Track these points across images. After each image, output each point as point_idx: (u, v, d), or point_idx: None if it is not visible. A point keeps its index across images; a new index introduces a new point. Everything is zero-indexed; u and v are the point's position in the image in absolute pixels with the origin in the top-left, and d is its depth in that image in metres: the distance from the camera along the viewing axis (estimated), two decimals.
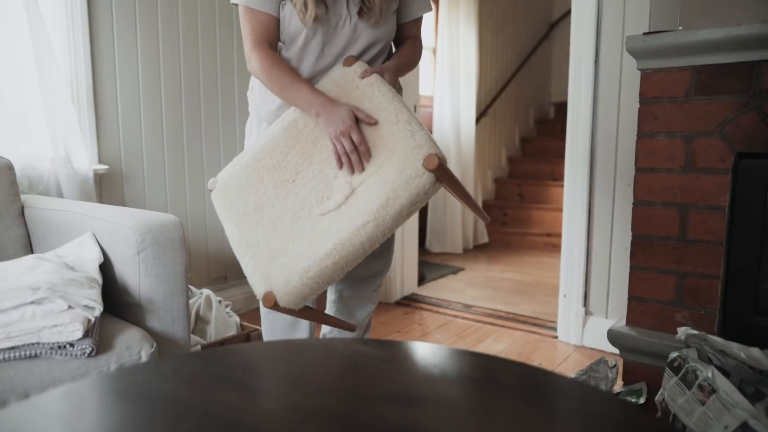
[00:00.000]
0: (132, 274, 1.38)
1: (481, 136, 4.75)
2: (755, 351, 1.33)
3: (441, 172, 1.20)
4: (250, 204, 1.37)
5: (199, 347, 1.80)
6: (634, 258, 1.69)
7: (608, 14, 2.20)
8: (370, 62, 1.45)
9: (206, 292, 2.07)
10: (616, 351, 1.76)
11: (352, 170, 1.31)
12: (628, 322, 1.72)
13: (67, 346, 1.16)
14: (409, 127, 1.27)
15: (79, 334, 1.16)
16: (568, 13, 4.42)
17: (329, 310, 1.66)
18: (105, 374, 0.75)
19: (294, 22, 1.38)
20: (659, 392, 1.47)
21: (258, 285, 1.28)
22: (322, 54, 1.41)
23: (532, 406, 0.68)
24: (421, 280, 3.38)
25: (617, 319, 2.03)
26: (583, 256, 2.33)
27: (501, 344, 2.40)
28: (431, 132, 4.21)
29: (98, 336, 1.22)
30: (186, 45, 2.47)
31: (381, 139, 1.30)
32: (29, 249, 1.66)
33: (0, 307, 1.13)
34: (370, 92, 1.35)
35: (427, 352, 0.85)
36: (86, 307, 1.19)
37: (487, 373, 0.76)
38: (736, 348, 1.35)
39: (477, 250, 4.45)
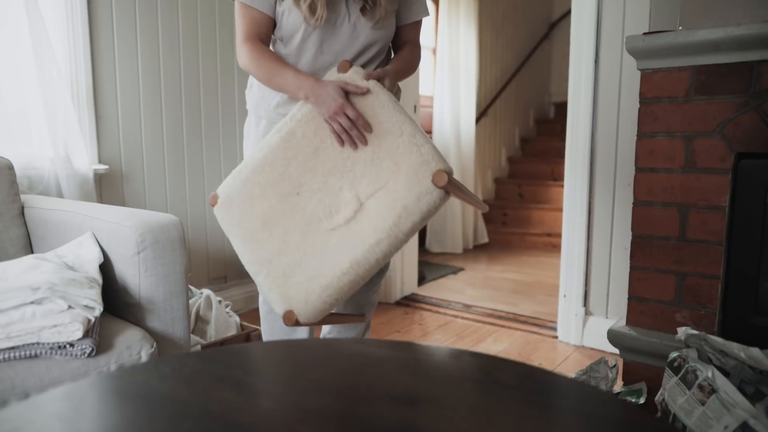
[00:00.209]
0: (132, 274, 1.38)
1: (481, 136, 4.75)
2: (755, 351, 1.33)
3: (450, 186, 1.22)
4: (256, 219, 1.37)
5: (199, 347, 1.80)
6: (634, 258, 1.69)
7: (608, 14, 2.20)
8: (366, 64, 1.44)
9: (206, 292, 2.07)
10: (616, 351, 1.76)
11: (355, 146, 1.31)
12: (628, 322, 1.72)
13: (67, 346, 1.16)
14: (414, 140, 1.27)
15: (79, 334, 1.16)
16: (568, 13, 4.42)
17: None
18: (105, 374, 0.75)
19: (291, 19, 1.37)
20: (659, 392, 1.47)
21: (276, 303, 1.32)
22: (321, 51, 1.40)
23: (532, 406, 0.68)
24: (421, 280, 3.39)
25: (617, 319, 2.03)
26: (583, 256, 2.33)
27: (501, 344, 2.40)
28: (431, 132, 4.21)
29: (98, 336, 1.22)
30: (186, 45, 2.47)
31: (385, 152, 1.29)
32: (29, 249, 1.66)
33: (0, 307, 1.13)
34: (369, 101, 1.34)
35: (427, 352, 0.85)
36: (86, 307, 1.19)
37: (487, 373, 0.76)
38: (736, 348, 1.35)
39: (477, 250, 4.45)
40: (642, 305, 1.69)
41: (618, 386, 1.73)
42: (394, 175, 1.27)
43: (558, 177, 4.77)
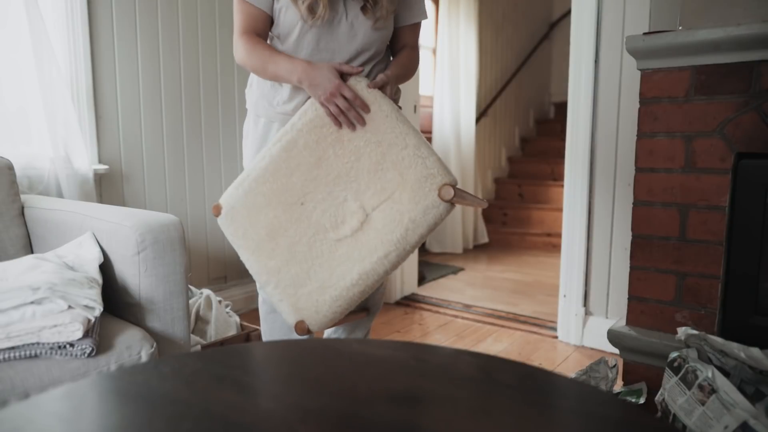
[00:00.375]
0: (132, 274, 1.38)
1: (481, 136, 4.75)
2: (755, 351, 1.33)
3: (456, 199, 1.24)
4: (261, 229, 1.38)
5: (199, 347, 1.80)
6: (634, 258, 1.69)
7: (608, 14, 2.20)
8: (364, 64, 1.43)
9: (206, 292, 2.07)
10: (616, 351, 1.76)
11: (353, 127, 1.31)
12: (628, 322, 1.72)
13: (67, 346, 1.16)
14: (419, 152, 1.28)
15: (79, 334, 1.16)
16: (568, 13, 4.42)
17: None
18: (105, 374, 0.75)
19: (288, 17, 1.37)
20: (659, 392, 1.47)
21: (287, 314, 1.36)
22: (318, 49, 1.40)
23: (532, 406, 0.68)
24: (421, 280, 3.39)
25: (617, 319, 2.03)
26: (583, 256, 2.33)
27: (501, 344, 2.40)
28: (431, 132, 4.21)
29: (98, 336, 1.22)
30: (186, 45, 2.47)
31: (389, 162, 1.30)
32: (29, 249, 1.66)
33: (0, 307, 1.13)
34: (371, 111, 1.33)
35: (426, 351, 0.85)
36: (86, 307, 1.19)
37: (487, 373, 0.76)
38: (736, 348, 1.35)
39: (477, 250, 4.45)
40: (642, 305, 1.69)
41: (618, 386, 1.73)
42: (399, 186, 1.28)
43: (558, 177, 4.77)
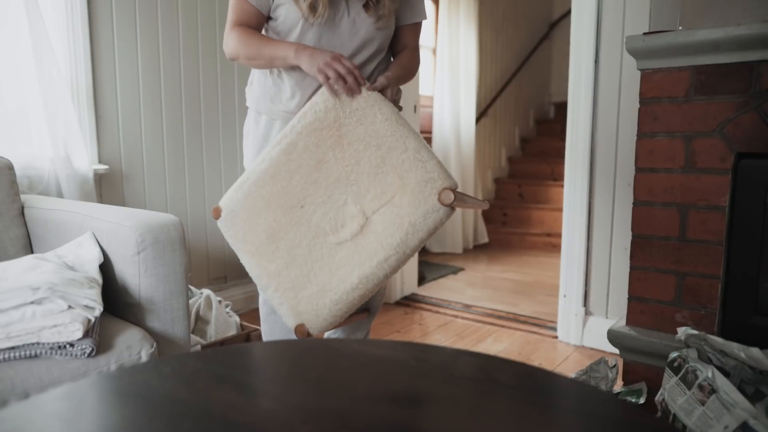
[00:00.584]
0: (132, 274, 1.38)
1: (481, 136, 4.75)
2: (755, 351, 1.33)
3: (456, 203, 1.24)
4: (261, 232, 1.38)
5: (199, 347, 1.80)
6: (634, 258, 1.69)
7: (608, 14, 2.20)
8: (365, 62, 1.44)
9: (206, 292, 2.07)
10: (616, 351, 1.76)
11: (351, 93, 1.31)
12: (628, 322, 1.72)
13: (67, 346, 1.16)
14: (419, 155, 1.28)
15: (79, 334, 1.16)
16: (568, 13, 4.42)
17: None
18: (105, 374, 0.75)
19: (290, 14, 1.37)
20: (659, 392, 1.47)
21: (287, 317, 1.36)
22: (319, 46, 1.40)
23: (532, 406, 0.68)
24: (421, 280, 3.39)
25: (617, 319, 2.03)
26: (583, 256, 2.33)
27: (501, 344, 2.40)
28: (431, 132, 4.21)
29: (98, 336, 1.22)
30: (186, 45, 2.47)
31: (389, 166, 1.30)
32: (29, 249, 1.66)
33: (0, 307, 1.13)
34: (371, 114, 1.33)
35: (426, 351, 0.85)
36: (86, 307, 1.19)
37: (487, 373, 0.76)
38: (736, 348, 1.35)
39: (477, 250, 4.45)
40: (642, 305, 1.69)
41: (618, 386, 1.73)
42: (399, 190, 1.28)
43: (558, 177, 4.77)
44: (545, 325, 2.61)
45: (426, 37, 4.20)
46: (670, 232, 1.62)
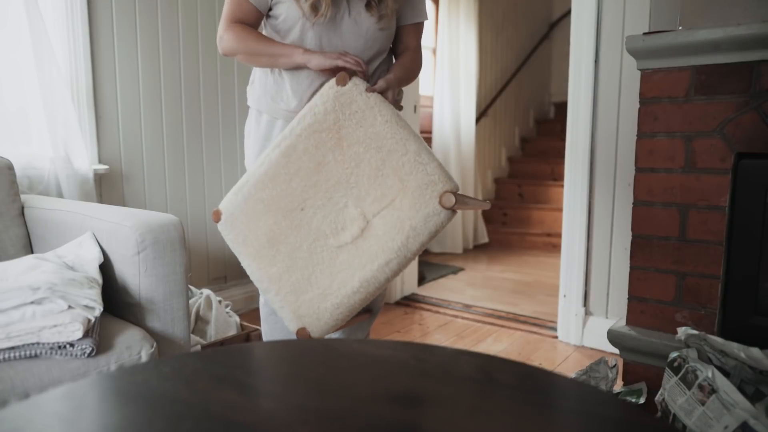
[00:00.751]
0: (132, 274, 1.38)
1: (481, 136, 4.75)
2: (755, 351, 1.33)
3: (457, 206, 1.23)
4: (262, 236, 1.37)
5: (199, 347, 1.80)
6: (634, 258, 1.69)
7: (608, 14, 2.20)
8: (368, 62, 1.43)
9: (206, 292, 2.07)
10: (616, 351, 1.76)
11: (354, 66, 1.33)
12: (628, 322, 1.72)
13: (67, 346, 1.16)
14: (419, 158, 1.27)
15: (79, 334, 1.16)
16: (568, 13, 4.42)
17: None
18: (105, 374, 0.75)
19: (290, 12, 1.37)
20: (659, 392, 1.47)
21: (289, 320, 1.36)
22: (321, 46, 1.40)
23: (532, 406, 0.68)
24: (421, 280, 3.39)
25: (617, 319, 2.03)
26: (583, 256, 2.33)
27: (501, 344, 2.40)
28: (431, 132, 4.21)
29: (98, 336, 1.22)
30: (186, 45, 2.47)
31: (389, 168, 1.29)
32: (29, 249, 1.66)
33: (0, 307, 1.13)
34: (371, 117, 1.32)
35: (426, 351, 0.85)
36: (86, 307, 1.19)
37: (487, 373, 0.76)
38: (736, 348, 1.35)
39: (477, 250, 4.45)
40: (642, 305, 1.69)
41: (618, 386, 1.73)
42: (400, 193, 1.27)
43: (558, 177, 4.77)
44: (545, 325, 2.61)
45: (426, 37, 4.20)
46: (670, 232, 1.62)
